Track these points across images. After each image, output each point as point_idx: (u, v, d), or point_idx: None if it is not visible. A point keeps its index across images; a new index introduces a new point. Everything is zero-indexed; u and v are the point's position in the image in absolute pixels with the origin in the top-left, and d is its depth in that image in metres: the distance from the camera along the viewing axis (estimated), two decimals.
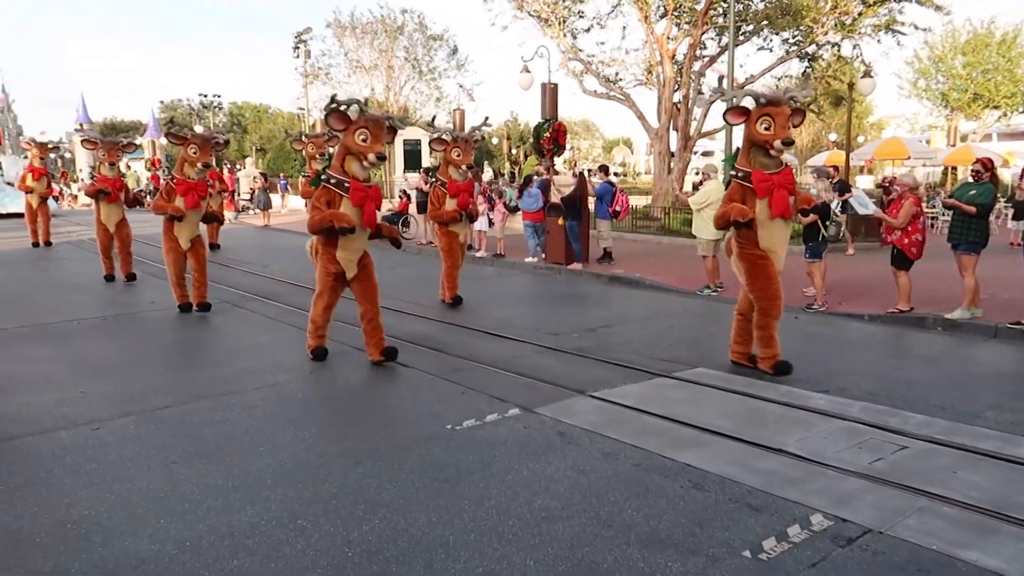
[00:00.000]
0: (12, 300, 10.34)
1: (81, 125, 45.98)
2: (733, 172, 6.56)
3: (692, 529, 3.67)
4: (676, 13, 20.91)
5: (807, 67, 21.54)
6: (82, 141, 12.73)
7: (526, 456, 4.62)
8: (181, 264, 9.38)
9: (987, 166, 8.44)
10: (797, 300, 9.61)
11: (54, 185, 18.32)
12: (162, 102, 55.60)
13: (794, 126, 6.24)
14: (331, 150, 11.36)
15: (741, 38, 20.47)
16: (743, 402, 5.71)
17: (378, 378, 6.48)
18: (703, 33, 20.79)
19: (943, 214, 17.61)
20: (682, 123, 21.23)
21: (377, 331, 6.89)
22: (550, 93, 15.94)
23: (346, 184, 6.49)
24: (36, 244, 16.69)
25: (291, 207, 28.83)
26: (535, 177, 14.01)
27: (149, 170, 30.54)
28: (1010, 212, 13.26)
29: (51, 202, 18.51)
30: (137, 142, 11.99)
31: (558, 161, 18.28)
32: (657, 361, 6.90)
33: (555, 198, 13.19)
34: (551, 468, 4.43)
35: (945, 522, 3.71)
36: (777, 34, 20.99)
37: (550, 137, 15.36)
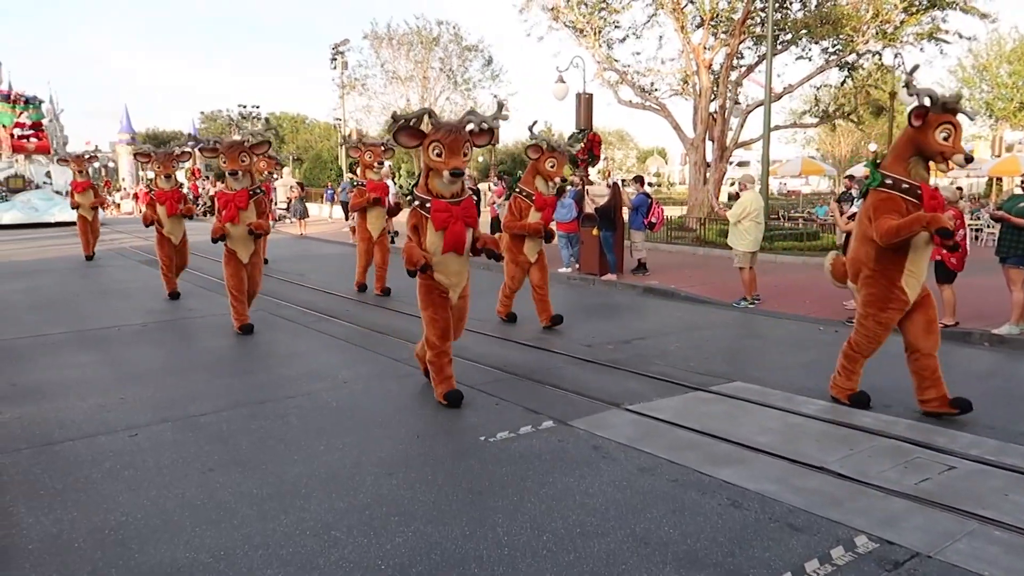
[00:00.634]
0: (56, 307, 10.58)
1: (133, 137, 47.20)
2: (880, 182, 5.50)
3: (731, 549, 3.58)
4: (713, 23, 20.77)
5: (847, 76, 21.20)
6: (135, 155, 12.51)
7: (561, 470, 4.56)
8: (240, 279, 8.70)
9: None
10: (837, 314, 9.43)
11: (100, 195, 18.51)
12: (202, 112, 56.84)
13: None
14: (387, 163, 11.39)
15: (779, 47, 20.25)
16: (782, 418, 5.58)
17: (413, 389, 6.47)
18: (740, 43, 20.60)
19: (988, 226, 17.18)
20: (718, 133, 21.05)
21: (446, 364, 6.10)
22: (585, 103, 15.91)
23: (428, 205, 5.77)
24: (90, 257, 16.44)
25: (335, 216, 29.19)
26: (568, 187, 13.96)
27: (189, 179, 31.14)
28: None
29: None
30: (187, 149, 11.82)
31: (592, 171, 18.22)
32: (693, 374, 6.79)
33: (589, 208, 13.12)
34: (586, 482, 4.36)
35: (999, 547, 3.57)
36: (816, 43, 20.69)
37: (584, 147, 15.32)
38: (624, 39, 22.51)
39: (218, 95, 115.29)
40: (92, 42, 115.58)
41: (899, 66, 19.65)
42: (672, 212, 21.02)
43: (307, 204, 24.40)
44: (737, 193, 11.18)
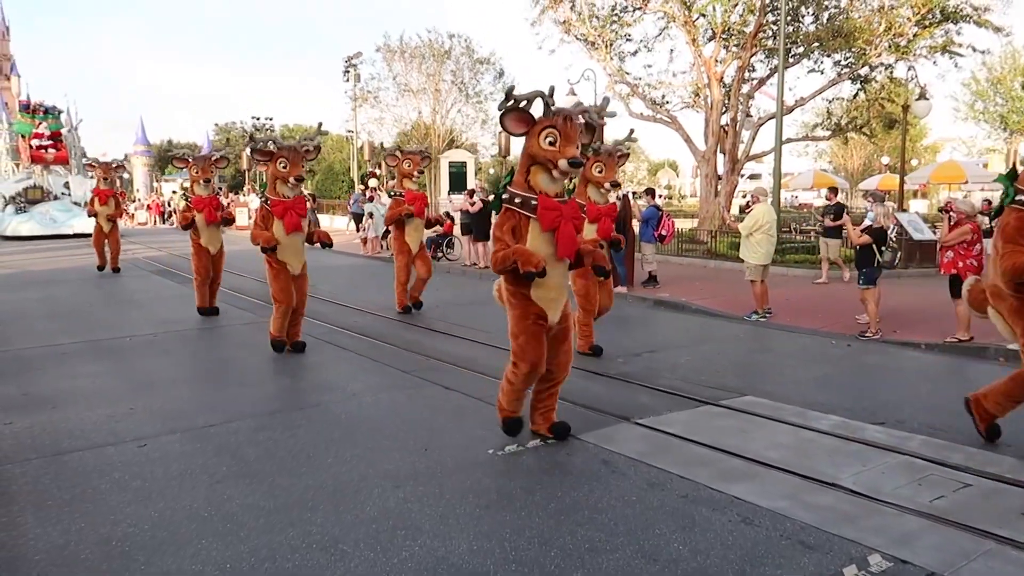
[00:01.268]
0: (69, 316, 10.65)
1: (148, 148, 47.69)
2: (1012, 198, 4.99)
3: (742, 567, 3.53)
4: (725, 36, 20.78)
5: (859, 89, 21.13)
6: (173, 160, 11.96)
7: (569, 484, 4.52)
8: (289, 293, 8.09)
9: None
10: (850, 328, 9.34)
11: (121, 206, 18.45)
12: (216, 124, 57.33)
13: None
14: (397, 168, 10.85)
15: (791, 60, 20.20)
16: (794, 433, 5.52)
17: (422, 401, 6.45)
18: (752, 55, 20.59)
19: None
20: (729, 146, 21.02)
21: (552, 398, 5.42)
22: None
23: (533, 203, 4.92)
24: (102, 267, 16.29)
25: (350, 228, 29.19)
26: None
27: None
28: None
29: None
30: (225, 154, 11.51)
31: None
32: (704, 388, 6.73)
33: None
34: (595, 497, 4.32)
35: (1016, 568, 3.50)
36: (828, 56, 20.63)
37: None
38: (635, 52, 22.56)
39: (231, 107, 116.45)
40: (108, 54, 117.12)
41: (912, 79, 19.55)
42: (683, 224, 20.94)
43: (319, 216, 24.51)
44: (749, 205, 11.14)
